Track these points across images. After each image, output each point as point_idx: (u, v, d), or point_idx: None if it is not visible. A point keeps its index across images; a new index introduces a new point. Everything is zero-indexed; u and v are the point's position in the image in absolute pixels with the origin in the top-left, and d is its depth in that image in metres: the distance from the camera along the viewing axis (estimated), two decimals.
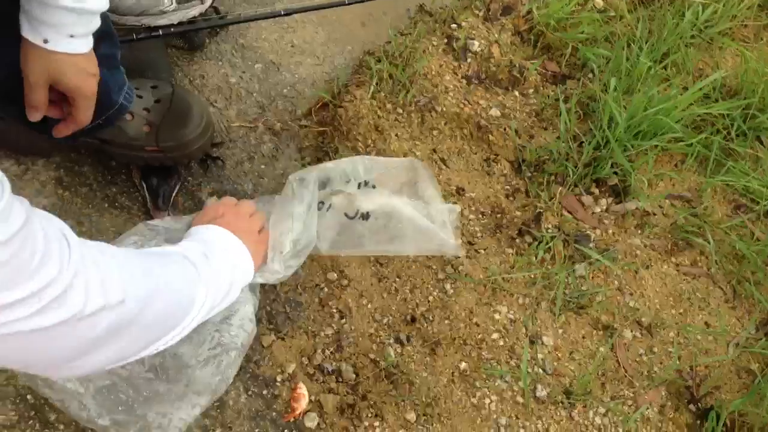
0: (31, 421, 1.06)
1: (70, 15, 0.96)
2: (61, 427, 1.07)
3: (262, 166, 1.43)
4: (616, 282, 1.39)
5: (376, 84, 1.52)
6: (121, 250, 0.81)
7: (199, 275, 0.92)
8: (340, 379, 1.19)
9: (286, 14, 1.52)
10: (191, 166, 1.38)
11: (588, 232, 1.42)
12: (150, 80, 1.33)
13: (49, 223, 0.66)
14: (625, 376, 1.28)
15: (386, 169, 1.19)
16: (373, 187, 1.18)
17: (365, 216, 1.19)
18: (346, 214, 1.19)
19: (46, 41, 0.97)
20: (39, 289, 0.61)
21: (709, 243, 1.46)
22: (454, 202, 1.43)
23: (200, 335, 1.04)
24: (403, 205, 1.21)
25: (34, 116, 1.08)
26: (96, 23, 1.00)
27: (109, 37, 1.15)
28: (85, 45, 1.00)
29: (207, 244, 1.00)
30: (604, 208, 1.47)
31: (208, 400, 1.04)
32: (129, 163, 1.33)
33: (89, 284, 0.67)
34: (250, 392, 1.17)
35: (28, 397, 1.08)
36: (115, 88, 1.22)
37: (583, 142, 1.51)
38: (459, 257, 1.31)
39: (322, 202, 1.18)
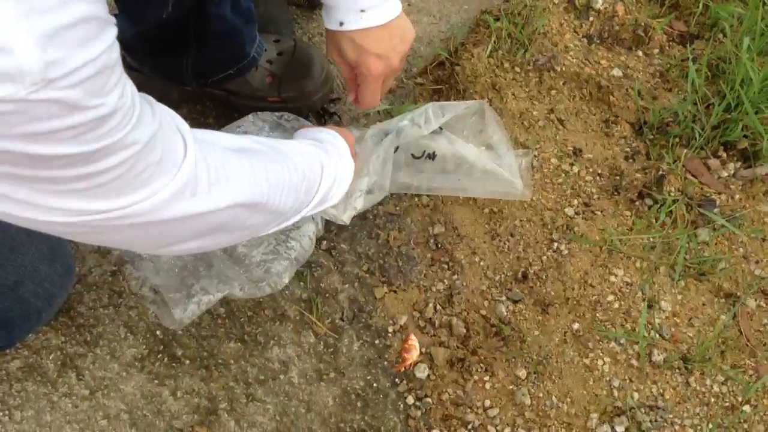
0: (160, 355, 1.14)
1: None
2: (187, 362, 1.14)
3: (377, 122, 1.45)
4: (741, 249, 1.33)
5: (494, 42, 1.50)
6: (238, 150, 0.83)
7: (312, 172, 0.95)
8: (451, 333, 1.21)
9: None
10: (309, 119, 1.42)
11: (713, 196, 1.36)
12: (273, 35, 1.38)
13: (168, 126, 0.67)
14: (747, 345, 1.23)
15: (456, 114, 1.18)
16: (440, 128, 1.18)
17: (431, 156, 1.20)
18: (412, 155, 1.19)
19: (341, 23, 1.02)
20: (145, 196, 0.63)
21: None
22: (572, 163, 1.40)
23: (259, 238, 1.07)
24: (470, 148, 1.20)
25: (350, 95, 1.15)
26: None
27: None
28: (372, 19, 1.02)
29: (323, 144, 1.04)
30: (732, 172, 1.40)
31: (248, 294, 1.09)
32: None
33: (198, 190, 0.70)
34: (362, 341, 1.20)
35: (158, 332, 1.15)
36: (249, 40, 1.27)
37: (711, 103, 1.44)
38: (527, 201, 1.31)
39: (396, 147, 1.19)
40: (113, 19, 0.55)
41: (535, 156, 1.40)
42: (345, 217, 1.13)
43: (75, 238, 0.70)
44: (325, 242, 1.28)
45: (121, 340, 1.13)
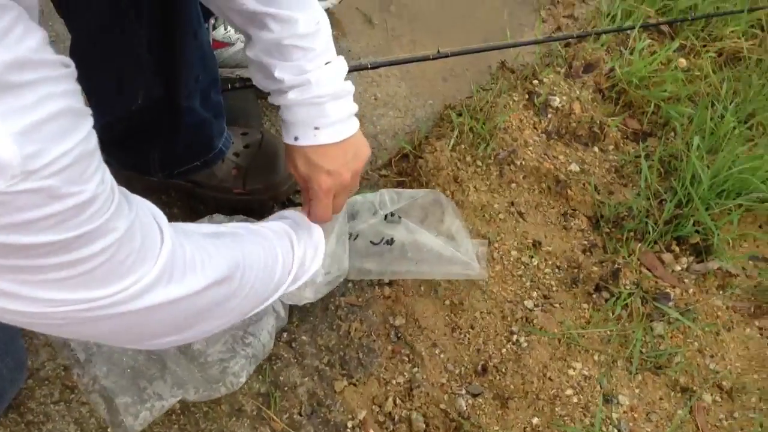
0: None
1: (311, 107, 1.03)
2: None
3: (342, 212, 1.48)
4: (696, 343, 1.35)
5: (457, 136, 1.55)
6: (213, 235, 0.85)
7: (285, 250, 0.97)
8: (411, 429, 1.20)
9: (373, 67, 1.58)
10: (274, 211, 1.44)
11: (667, 290, 1.39)
12: (241, 127, 1.41)
13: (145, 215, 0.68)
14: None
15: (412, 201, 1.21)
16: (399, 218, 1.21)
17: (390, 242, 1.23)
18: (371, 242, 1.22)
19: (296, 138, 1.04)
20: (130, 284, 0.64)
21: None
22: (531, 256, 1.43)
23: (215, 335, 1.06)
24: (429, 236, 1.23)
25: (304, 209, 1.13)
26: (330, 115, 1.03)
27: (216, 84, 1.23)
28: (324, 137, 1.04)
29: (290, 222, 1.06)
30: (685, 266, 1.44)
31: (203, 397, 1.08)
32: (217, 207, 1.40)
33: (174, 276, 0.70)
34: None
35: (109, 430, 1.13)
36: (217, 133, 1.30)
37: (663, 199, 1.49)
38: (485, 281, 1.33)
39: (350, 233, 1.21)
40: (89, 110, 0.58)
41: (495, 248, 1.43)
42: (308, 293, 1.14)
43: (50, 331, 0.69)
44: (285, 334, 1.27)
45: None
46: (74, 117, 0.55)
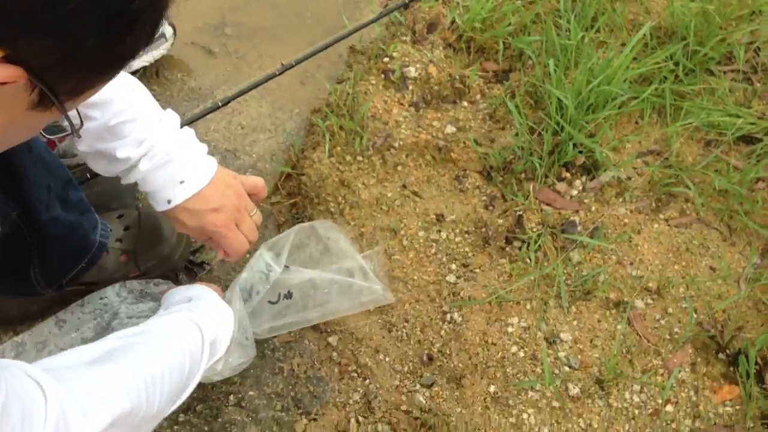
0: None
1: (167, 166, 1.03)
2: None
3: (247, 255, 1.46)
4: (613, 257, 1.40)
5: (330, 140, 1.55)
6: (102, 359, 0.83)
7: (191, 338, 0.96)
8: None
9: (224, 104, 1.55)
10: (180, 278, 1.41)
11: (572, 217, 1.44)
12: (115, 211, 1.37)
13: (18, 380, 0.66)
14: (650, 346, 1.29)
15: (292, 246, 1.22)
16: (287, 267, 1.21)
17: (288, 295, 1.23)
18: (269, 302, 1.22)
19: (169, 201, 1.05)
20: None
21: (690, 188, 1.47)
22: (438, 230, 1.45)
23: None
24: (320, 273, 1.24)
25: (219, 254, 1.15)
26: (188, 164, 1.05)
27: (71, 183, 1.19)
28: (193, 185, 1.05)
29: (192, 301, 1.05)
30: (581, 188, 1.49)
31: None
32: None
33: (72, 424, 0.68)
34: None
35: None
36: (90, 229, 1.26)
37: (540, 132, 1.53)
38: (392, 303, 1.32)
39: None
40: None
41: (403, 235, 1.44)
42: (219, 368, 1.13)
43: None
44: (232, 396, 1.26)
45: None
46: None
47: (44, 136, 1.00)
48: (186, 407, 1.22)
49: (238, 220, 1.12)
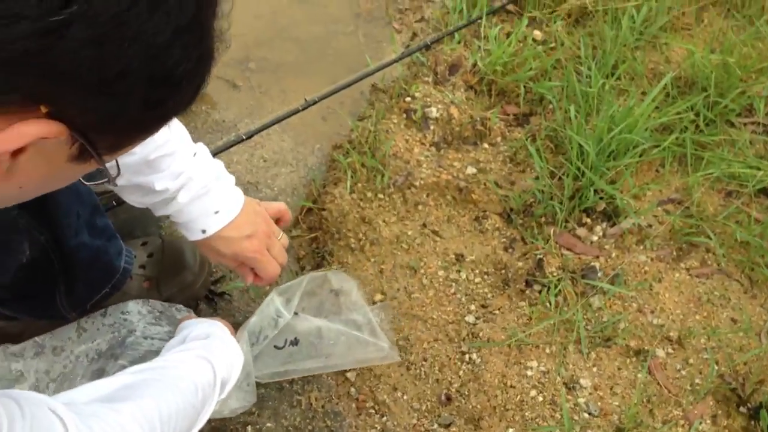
0: None
1: (203, 198, 1.06)
2: None
3: (267, 287, 1.46)
4: (634, 304, 1.40)
5: (351, 176, 1.56)
6: (120, 396, 0.83)
7: (204, 377, 0.97)
8: None
9: (248, 137, 1.57)
10: (199, 307, 1.41)
11: (592, 263, 1.44)
12: (139, 238, 1.38)
13: (42, 415, 0.66)
14: (671, 396, 1.28)
15: (303, 293, 1.23)
16: (296, 314, 1.22)
17: (294, 342, 1.23)
18: (275, 346, 1.22)
19: (204, 231, 1.08)
20: None
21: (711, 239, 1.48)
22: (458, 270, 1.45)
23: None
24: (329, 324, 1.24)
25: (247, 280, 1.18)
26: (221, 196, 1.08)
27: (98, 209, 1.21)
28: (227, 215, 1.08)
29: (207, 339, 1.06)
30: (601, 234, 1.49)
31: None
32: None
33: None
34: None
35: None
36: (115, 255, 1.27)
37: (561, 177, 1.54)
38: (398, 361, 1.31)
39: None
40: None
41: (422, 273, 1.44)
42: (218, 408, 1.13)
43: None
44: (249, 427, 1.25)
45: None
46: None
47: (82, 183, 1.03)
48: None
49: (269, 245, 1.16)
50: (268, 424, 1.26)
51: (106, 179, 0.66)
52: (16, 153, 0.49)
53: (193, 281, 1.35)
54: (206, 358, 1.00)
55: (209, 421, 1.00)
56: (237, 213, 1.10)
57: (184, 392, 0.90)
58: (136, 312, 1.25)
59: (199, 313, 1.40)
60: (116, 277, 1.27)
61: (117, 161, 0.78)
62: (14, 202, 0.59)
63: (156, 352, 1.10)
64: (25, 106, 0.46)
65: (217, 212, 1.08)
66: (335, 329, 1.23)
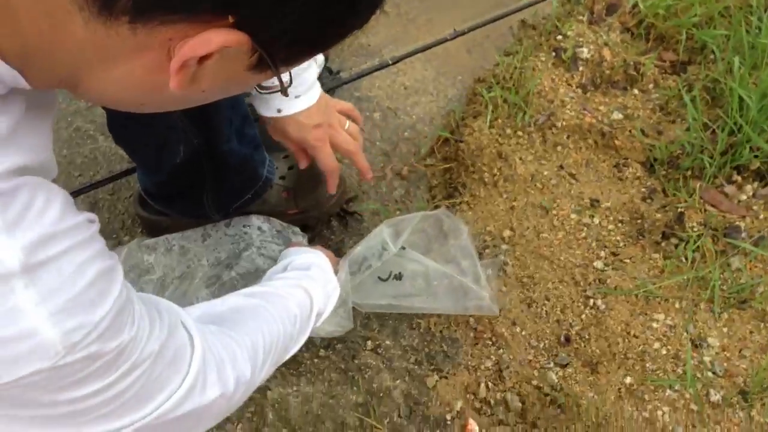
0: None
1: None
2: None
3: (397, 212, 1.50)
4: None
5: (492, 111, 1.55)
6: (232, 315, 0.90)
7: (303, 307, 1.03)
8: (508, 410, 1.22)
9: (394, 62, 1.59)
10: (331, 224, 1.47)
11: (737, 222, 1.37)
12: (282, 151, 1.44)
13: (174, 326, 0.70)
14: None
15: (413, 229, 1.23)
16: (403, 248, 1.23)
17: (398, 276, 1.24)
18: (379, 277, 1.24)
19: (279, 111, 1.15)
20: (165, 398, 0.67)
21: None
22: (591, 215, 1.42)
23: None
24: (435, 264, 1.24)
25: (301, 164, 1.26)
26: (306, 82, 1.14)
27: (248, 119, 1.27)
28: (305, 102, 1.15)
29: (309, 270, 1.11)
30: (751, 194, 1.41)
31: None
32: None
33: (208, 381, 0.73)
34: None
35: None
36: (259, 164, 1.33)
37: (716, 129, 1.46)
38: (497, 315, 1.30)
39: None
40: (117, 261, 0.60)
41: (554, 215, 1.43)
42: (322, 333, 1.18)
43: None
44: (369, 342, 1.31)
45: None
46: (107, 277, 0.57)
47: (258, 90, 1.09)
48: (327, 344, 1.28)
49: (332, 136, 1.21)
50: (387, 342, 1.31)
51: (278, 89, 0.69)
52: (203, 59, 0.52)
53: (328, 197, 1.40)
54: (306, 289, 1.05)
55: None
56: (314, 101, 1.15)
57: (284, 322, 0.95)
58: (257, 227, 1.32)
59: (330, 230, 1.46)
60: (258, 184, 1.34)
61: (290, 73, 0.82)
62: (194, 105, 0.63)
63: (267, 270, 1.16)
64: (215, 15, 0.49)
65: (297, 96, 1.13)
66: (440, 271, 1.24)
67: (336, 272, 1.17)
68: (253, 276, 1.25)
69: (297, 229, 1.36)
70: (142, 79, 0.55)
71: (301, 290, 1.05)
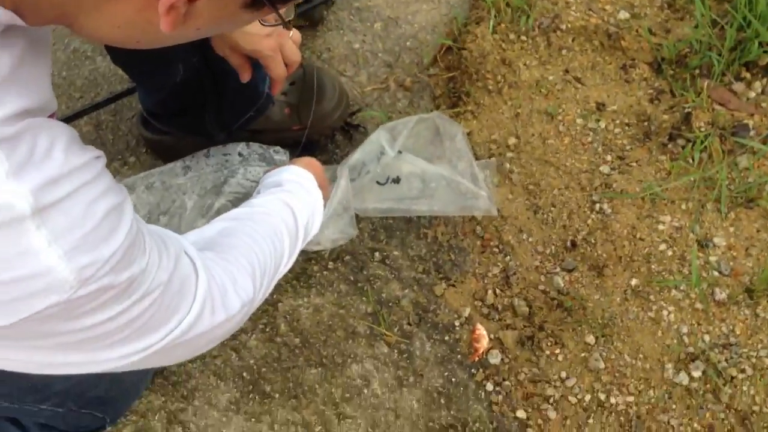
0: (252, 395, 1.21)
1: None
2: (277, 396, 1.21)
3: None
4: None
5: (495, 16, 1.51)
6: (219, 238, 0.91)
7: (288, 223, 1.02)
8: (515, 314, 1.25)
9: None
10: (335, 138, 1.46)
11: (745, 120, 1.35)
12: None
13: (180, 258, 0.72)
14: None
15: (409, 133, 1.22)
16: (399, 152, 1.22)
17: (396, 180, 1.24)
18: (377, 182, 1.24)
19: None
20: (176, 325, 0.70)
21: None
22: (597, 119, 1.41)
23: None
24: (431, 166, 1.23)
25: (244, 77, 1.19)
26: None
27: None
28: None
29: (286, 185, 1.10)
30: (760, 91, 1.39)
31: None
32: (280, 145, 1.43)
33: (215, 305, 0.76)
34: (432, 340, 1.25)
35: (244, 374, 1.22)
36: (260, 81, 1.32)
37: (724, 26, 1.42)
38: (494, 216, 1.30)
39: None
40: (125, 194, 0.61)
41: (560, 120, 1.41)
42: (327, 243, 1.18)
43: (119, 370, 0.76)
44: (377, 253, 1.32)
45: (214, 389, 1.21)
46: (117, 213, 0.58)
47: (261, 23, 1.06)
48: (336, 256, 1.30)
49: (281, 45, 1.16)
50: (395, 252, 1.33)
51: (279, 24, 0.68)
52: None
53: (331, 111, 1.39)
54: (285, 202, 1.05)
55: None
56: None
57: (272, 239, 0.96)
58: (236, 153, 1.31)
59: (335, 143, 1.45)
60: (260, 101, 1.33)
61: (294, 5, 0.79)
62: (191, 40, 0.62)
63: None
64: None
65: None
66: (437, 173, 1.24)
67: (331, 180, 1.17)
68: (244, 199, 1.25)
69: (278, 148, 1.35)
70: (134, 18, 0.55)
71: (281, 203, 1.05)
